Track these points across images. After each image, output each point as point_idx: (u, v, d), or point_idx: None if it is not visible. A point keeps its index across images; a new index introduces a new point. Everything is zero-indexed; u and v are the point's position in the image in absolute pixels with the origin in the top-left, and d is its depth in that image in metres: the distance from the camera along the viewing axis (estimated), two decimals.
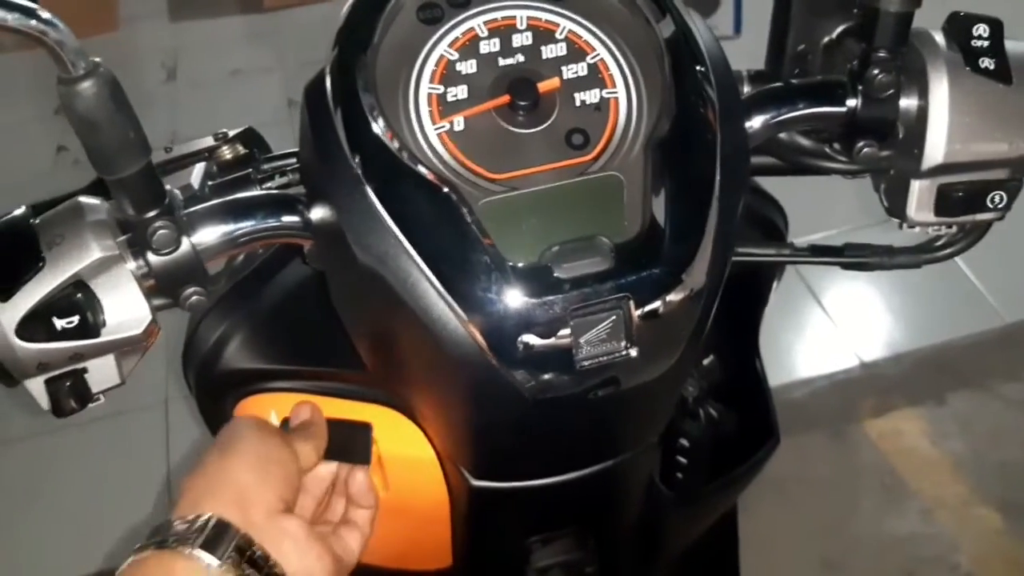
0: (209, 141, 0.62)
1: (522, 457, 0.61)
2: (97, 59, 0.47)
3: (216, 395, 0.74)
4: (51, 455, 1.83)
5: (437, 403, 0.59)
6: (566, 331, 0.48)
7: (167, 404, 1.90)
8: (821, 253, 0.67)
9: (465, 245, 0.48)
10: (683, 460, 0.79)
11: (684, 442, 0.78)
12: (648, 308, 0.49)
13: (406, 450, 0.65)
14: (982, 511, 1.63)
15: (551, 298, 0.48)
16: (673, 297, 0.49)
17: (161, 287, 0.51)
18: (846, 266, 0.66)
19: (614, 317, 0.48)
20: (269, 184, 0.60)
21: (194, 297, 0.52)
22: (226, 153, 0.61)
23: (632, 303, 0.48)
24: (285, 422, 0.63)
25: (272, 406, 0.71)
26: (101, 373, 0.51)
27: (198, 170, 0.60)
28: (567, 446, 0.61)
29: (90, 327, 0.49)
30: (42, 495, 1.77)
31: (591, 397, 0.52)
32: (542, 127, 0.53)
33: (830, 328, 1.95)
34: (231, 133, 0.63)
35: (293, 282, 0.72)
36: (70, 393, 0.50)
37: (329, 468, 0.62)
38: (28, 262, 0.48)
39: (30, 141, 2.63)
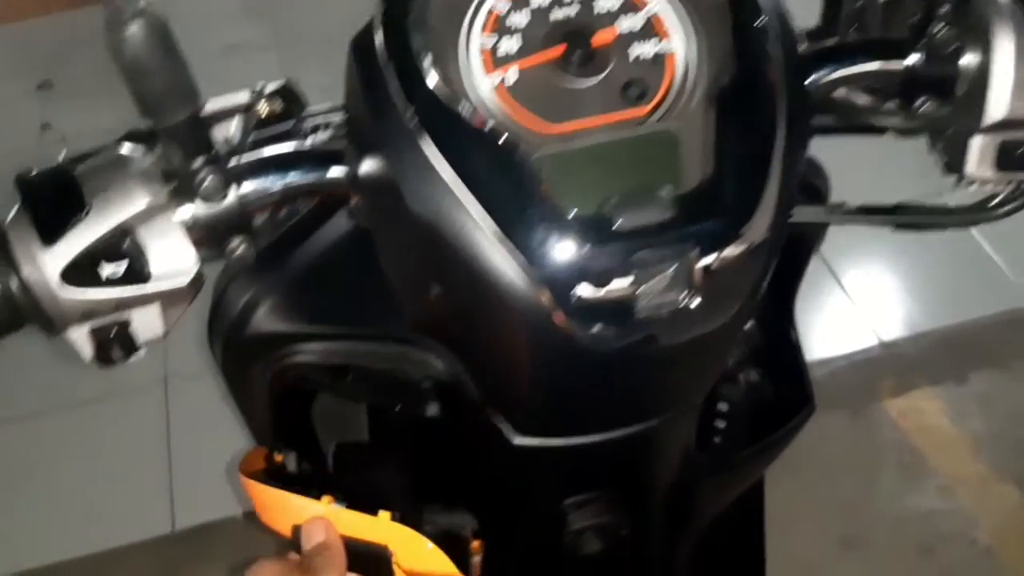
0: (244, 96, 0.62)
1: (569, 411, 0.61)
2: (143, 2, 0.47)
3: (244, 363, 0.74)
4: (50, 435, 1.85)
5: (488, 356, 0.59)
6: (626, 280, 0.48)
7: (166, 383, 1.90)
8: (872, 213, 0.67)
9: (523, 195, 0.49)
10: (721, 425, 0.79)
11: (722, 406, 0.79)
12: (711, 258, 0.49)
13: (427, 569, 0.65)
14: (1001, 488, 1.65)
15: (611, 247, 0.48)
16: (735, 248, 0.49)
17: (207, 238, 0.51)
18: (899, 226, 0.66)
19: (676, 266, 0.48)
20: (312, 138, 0.60)
21: (240, 249, 0.52)
22: (264, 108, 0.61)
23: (695, 251, 0.48)
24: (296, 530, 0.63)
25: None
26: (145, 324, 0.51)
27: (236, 124, 0.60)
28: (615, 402, 0.61)
29: (137, 275, 0.49)
30: (41, 475, 1.78)
31: (646, 350, 0.52)
32: (597, 79, 0.53)
33: (849, 307, 1.96)
34: (268, 88, 0.62)
35: (325, 244, 0.72)
36: (116, 341, 0.50)
37: None
38: (72, 208, 0.48)
39: (14, 118, 2.61)
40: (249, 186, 0.52)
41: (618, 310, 0.49)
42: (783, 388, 0.87)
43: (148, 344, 0.53)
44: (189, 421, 1.83)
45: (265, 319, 0.72)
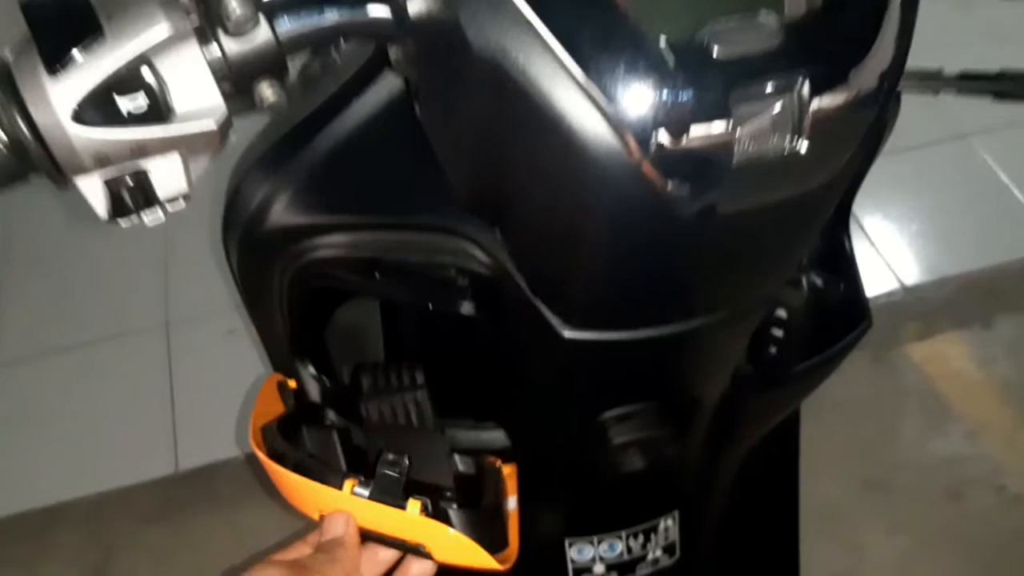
0: None
1: (632, 297, 0.55)
2: None
3: (262, 263, 0.68)
4: (52, 377, 1.80)
5: (546, 233, 0.53)
6: (722, 122, 0.42)
7: (168, 328, 1.84)
8: (973, 80, 0.61)
9: (605, 21, 0.42)
10: (777, 334, 0.73)
11: (781, 313, 0.72)
12: (823, 96, 0.42)
13: (460, 560, 0.60)
14: None
15: (709, 79, 0.41)
16: (850, 87, 0.43)
17: (235, 76, 0.44)
18: (998, 95, 0.60)
19: (783, 103, 0.41)
20: None
21: (270, 93, 0.45)
22: None
23: (807, 86, 0.41)
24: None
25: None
26: (166, 176, 0.44)
27: None
28: (685, 286, 0.55)
29: (157, 113, 0.42)
30: (43, 416, 1.74)
31: (736, 214, 0.45)
32: None
33: (871, 251, 1.90)
34: None
35: (351, 125, 0.65)
36: (133, 193, 0.43)
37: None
38: (85, 37, 0.41)
39: None
40: (283, 20, 0.45)
41: (711, 159, 0.43)
42: (839, 302, 0.81)
43: (171, 203, 0.46)
44: (192, 363, 1.78)
45: (285, 211, 0.66)
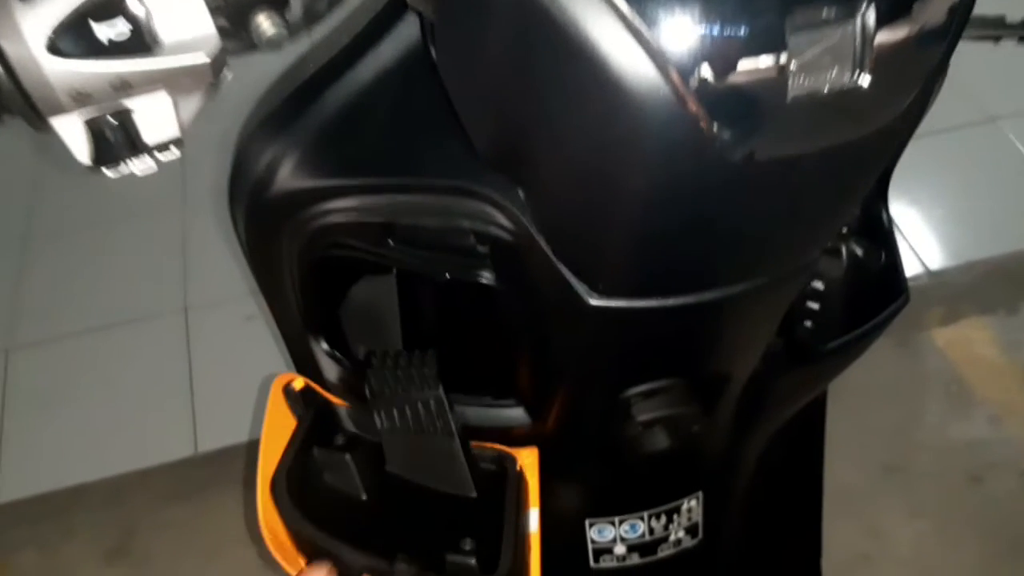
0: None
1: (665, 260, 0.50)
2: None
3: (270, 229, 0.63)
4: (69, 361, 1.75)
5: (574, 179, 0.47)
6: (775, 53, 0.36)
7: (187, 313, 1.80)
8: None
9: None
10: (814, 306, 0.67)
11: (818, 285, 0.66)
12: (888, 26, 0.36)
13: None
14: None
15: (762, 3, 0.35)
16: (917, 19, 0.36)
17: (230, 4, 0.38)
18: None
19: (844, 31, 0.35)
20: None
21: (268, 25, 0.39)
22: None
23: (871, 13, 0.35)
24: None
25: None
26: (153, 118, 0.39)
27: None
28: (726, 243, 0.49)
29: (141, 42, 0.36)
30: (62, 399, 1.69)
31: (788, 156, 0.39)
32: None
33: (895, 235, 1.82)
34: None
35: (363, 81, 0.60)
36: (117, 134, 0.37)
37: None
38: None
39: None
40: None
41: (762, 94, 0.37)
42: (876, 275, 0.75)
43: (162, 151, 0.40)
44: (210, 348, 1.74)
45: (293, 174, 0.60)
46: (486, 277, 0.60)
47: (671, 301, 0.52)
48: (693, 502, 0.79)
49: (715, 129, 0.38)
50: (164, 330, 1.78)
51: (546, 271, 0.53)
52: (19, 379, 1.73)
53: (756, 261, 0.51)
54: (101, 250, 1.94)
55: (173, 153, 0.42)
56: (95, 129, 0.38)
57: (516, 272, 0.57)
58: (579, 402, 0.65)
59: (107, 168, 0.41)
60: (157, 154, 0.42)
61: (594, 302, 0.52)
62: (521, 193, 0.51)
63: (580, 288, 0.52)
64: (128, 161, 0.42)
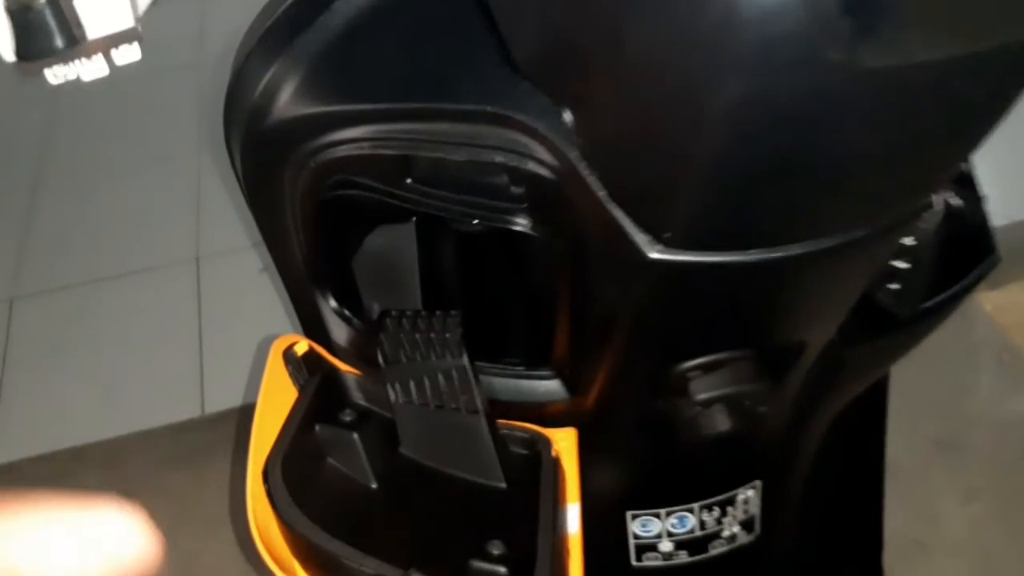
0: None
1: (754, 199, 0.39)
2: None
3: (270, 164, 0.53)
4: (74, 312, 1.67)
5: (642, 94, 0.36)
6: None
7: (198, 263, 1.71)
8: None
9: None
10: (902, 266, 0.56)
11: (908, 241, 0.55)
12: None
13: None
14: None
15: None
16: None
17: None
18: None
19: None
20: None
21: None
22: None
23: None
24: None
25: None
26: (99, 2, 0.28)
27: None
28: (828, 182, 0.38)
29: None
30: (66, 353, 1.61)
31: (915, 62, 0.28)
32: None
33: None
34: None
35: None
36: (45, 17, 0.27)
37: None
38: None
39: None
40: None
41: None
42: (966, 231, 0.64)
43: (113, 45, 0.29)
44: (222, 301, 1.65)
45: (294, 99, 0.50)
46: (521, 224, 0.49)
47: (750, 256, 0.41)
48: (750, 492, 0.69)
49: (828, 22, 0.26)
50: (173, 281, 1.69)
51: (596, 217, 0.43)
52: (23, 330, 1.65)
53: (860, 206, 0.40)
54: (112, 197, 1.85)
55: (130, 52, 0.31)
56: (17, 14, 0.28)
57: (558, 218, 0.47)
58: (627, 375, 0.55)
59: (42, 65, 0.31)
60: (110, 52, 0.31)
61: (655, 255, 0.41)
62: (568, 117, 0.41)
63: (639, 238, 0.41)
64: (71, 61, 0.31)
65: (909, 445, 1.36)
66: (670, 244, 0.40)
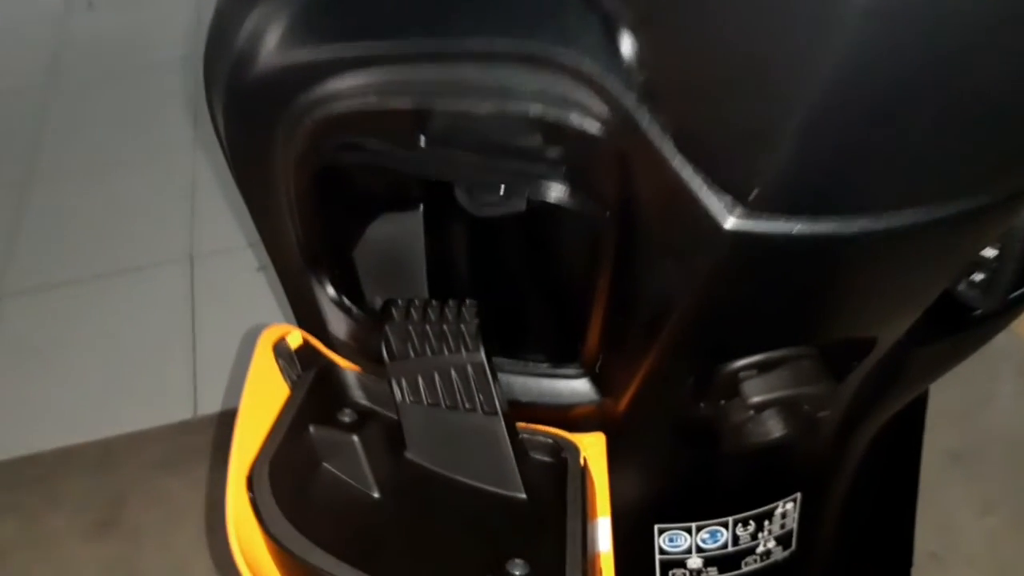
0: None
1: (874, 149, 0.29)
2: None
3: (257, 121, 0.45)
4: (64, 310, 1.58)
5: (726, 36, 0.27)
6: None
7: (192, 261, 1.62)
8: None
9: None
10: (991, 253, 0.48)
11: None
12: None
13: None
14: None
15: None
16: None
17: None
18: None
19: None
20: None
21: None
22: None
23: None
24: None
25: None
26: None
27: None
28: (967, 127, 0.29)
29: None
30: (56, 351, 1.52)
31: None
32: None
33: None
34: None
35: None
36: None
37: None
38: None
39: None
40: None
41: None
42: None
43: None
44: (216, 300, 1.58)
45: (285, 43, 0.42)
46: (556, 192, 0.40)
47: (852, 225, 0.32)
48: (789, 506, 0.60)
49: None
50: (167, 279, 1.61)
51: (656, 178, 0.34)
52: (11, 328, 1.56)
53: (995, 160, 0.31)
54: (106, 193, 1.77)
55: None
56: None
57: (603, 184, 0.38)
58: (670, 374, 0.46)
59: None
60: None
61: (732, 224, 0.33)
62: (630, 46, 0.32)
63: (713, 203, 0.33)
64: None
65: (925, 457, 1.27)
66: (755, 207, 0.32)
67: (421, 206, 0.60)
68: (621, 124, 0.34)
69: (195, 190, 1.76)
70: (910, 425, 0.76)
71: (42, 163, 1.87)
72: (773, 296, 0.38)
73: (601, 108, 0.35)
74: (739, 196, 0.31)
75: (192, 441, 1.36)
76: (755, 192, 0.30)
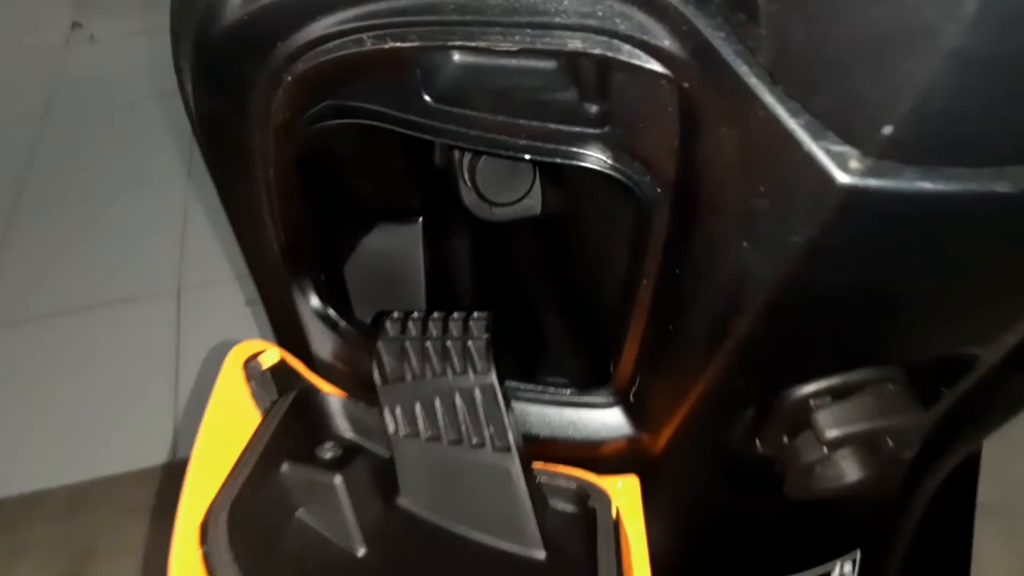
0: None
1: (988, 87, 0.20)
2: None
3: (230, 82, 0.37)
4: (51, 342, 1.49)
5: None
6: None
7: (179, 295, 1.54)
8: None
9: None
10: None
11: None
12: None
13: None
14: None
15: None
16: None
17: None
18: None
19: None
20: None
21: None
22: None
23: None
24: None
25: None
26: None
27: None
28: None
29: None
30: (22, 393, 1.43)
31: None
32: None
33: None
34: None
35: None
36: None
37: None
38: None
39: (44, 15, 2.31)
40: None
41: None
42: None
43: None
44: (203, 335, 1.48)
45: None
46: (595, 158, 0.31)
47: (1013, 180, 0.23)
48: (848, 567, 0.51)
49: None
50: (151, 313, 1.53)
51: (744, 126, 0.25)
52: None
53: None
54: (94, 224, 1.70)
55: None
56: None
57: (664, 141, 0.29)
58: (725, 401, 0.37)
59: None
60: None
61: (849, 179, 0.23)
62: None
63: (830, 154, 0.23)
64: None
65: None
66: (883, 154, 0.23)
67: (420, 218, 0.52)
68: (694, 56, 0.25)
69: (186, 222, 1.68)
70: (967, 470, 0.66)
71: (30, 193, 1.81)
72: (879, 287, 0.29)
73: (666, 35, 0.26)
74: (860, 140, 0.22)
75: (168, 486, 1.27)
76: (886, 132, 0.21)
